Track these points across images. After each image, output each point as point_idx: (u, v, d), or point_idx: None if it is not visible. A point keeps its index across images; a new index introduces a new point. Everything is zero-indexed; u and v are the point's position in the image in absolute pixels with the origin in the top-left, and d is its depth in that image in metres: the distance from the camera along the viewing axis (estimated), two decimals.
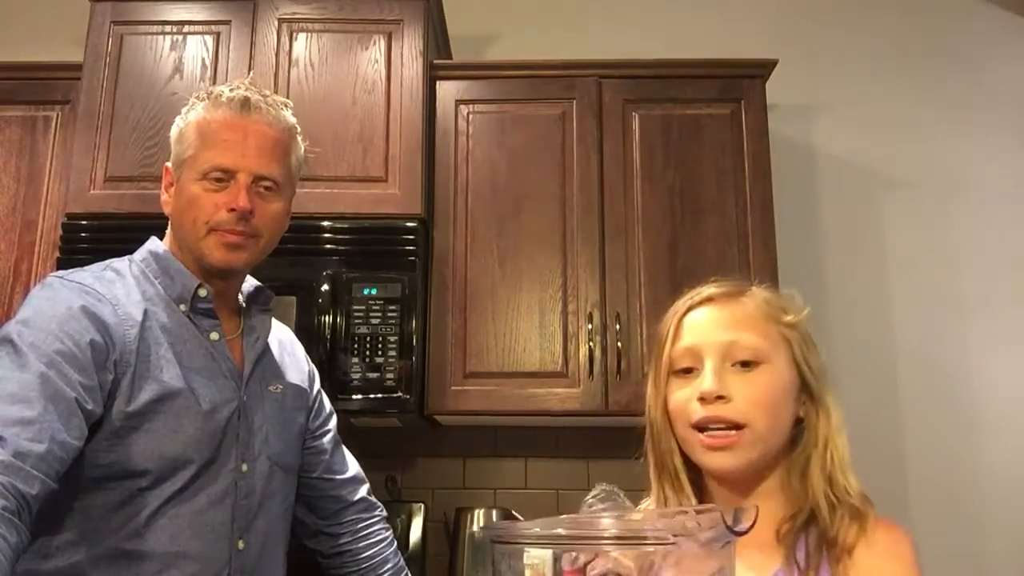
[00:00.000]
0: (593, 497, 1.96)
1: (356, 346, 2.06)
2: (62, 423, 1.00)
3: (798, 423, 1.01)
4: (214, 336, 1.23)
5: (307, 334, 2.05)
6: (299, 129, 1.31)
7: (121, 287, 1.17)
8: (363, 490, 1.48)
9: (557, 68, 2.34)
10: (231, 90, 1.23)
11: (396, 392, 2.04)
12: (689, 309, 1.06)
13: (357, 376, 2.04)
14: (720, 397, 0.95)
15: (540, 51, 2.56)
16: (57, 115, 2.32)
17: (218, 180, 1.19)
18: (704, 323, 1.02)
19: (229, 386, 1.21)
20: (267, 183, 1.23)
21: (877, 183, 2.63)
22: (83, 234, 2.11)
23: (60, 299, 1.11)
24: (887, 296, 2.55)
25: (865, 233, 2.60)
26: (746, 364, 0.97)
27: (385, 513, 1.51)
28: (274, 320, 1.37)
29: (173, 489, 1.12)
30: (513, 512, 2.23)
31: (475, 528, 2.22)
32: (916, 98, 2.69)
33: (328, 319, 2.07)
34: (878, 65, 2.71)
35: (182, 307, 1.21)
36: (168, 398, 1.13)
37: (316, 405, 1.44)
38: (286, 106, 1.29)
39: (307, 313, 2.07)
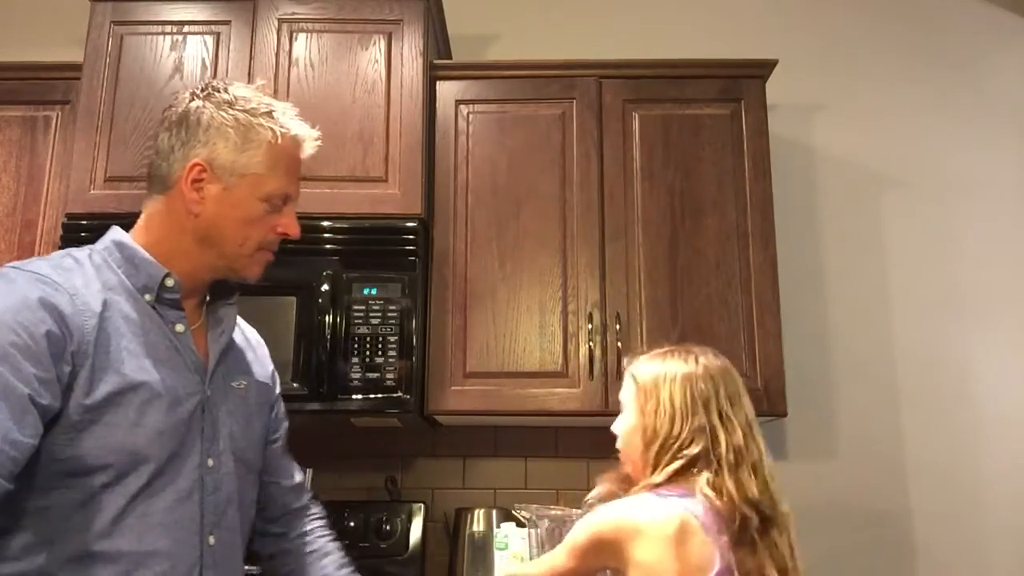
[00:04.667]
0: (593, 497, 1.96)
1: (356, 346, 2.06)
2: (14, 421, 0.98)
3: None
4: (179, 328, 1.20)
5: (307, 334, 2.05)
6: None
7: (80, 276, 1.14)
8: (307, 496, 1.49)
9: (557, 68, 2.34)
10: (291, 117, 1.26)
11: (396, 392, 2.04)
12: None
13: (357, 376, 2.04)
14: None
15: (540, 51, 2.56)
16: (57, 115, 2.32)
17: (277, 205, 1.24)
18: None
19: (193, 380, 1.19)
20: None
21: (877, 183, 2.64)
22: (83, 234, 2.10)
23: (15, 289, 1.07)
24: (887, 296, 2.55)
25: (865, 233, 2.60)
26: None
27: (324, 512, 1.51)
28: (239, 318, 1.36)
29: (137, 485, 1.09)
30: (513, 511, 2.23)
31: (475, 528, 2.22)
32: (916, 98, 2.69)
33: (328, 319, 2.07)
34: (878, 65, 2.71)
35: (147, 297, 1.18)
36: (129, 391, 1.10)
37: (276, 408, 1.43)
38: None
39: (307, 313, 2.07)
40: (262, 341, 1.45)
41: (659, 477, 1.36)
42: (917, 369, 2.49)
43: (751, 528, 1.29)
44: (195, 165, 1.20)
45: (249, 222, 1.21)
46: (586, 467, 2.41)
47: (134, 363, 1.11)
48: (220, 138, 1.20)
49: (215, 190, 1.20)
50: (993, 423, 2.45)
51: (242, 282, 1.27)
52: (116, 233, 1.22)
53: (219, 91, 1.23)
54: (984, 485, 2.42)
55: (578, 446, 2.43)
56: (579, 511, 1.84)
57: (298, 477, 1.48)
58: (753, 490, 1.32)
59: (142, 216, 1.24)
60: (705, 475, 1.33)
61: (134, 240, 1.21)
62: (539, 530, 1.88)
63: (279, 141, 1.22)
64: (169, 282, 1.19)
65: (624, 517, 1.34)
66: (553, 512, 1.87)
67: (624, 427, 1.49)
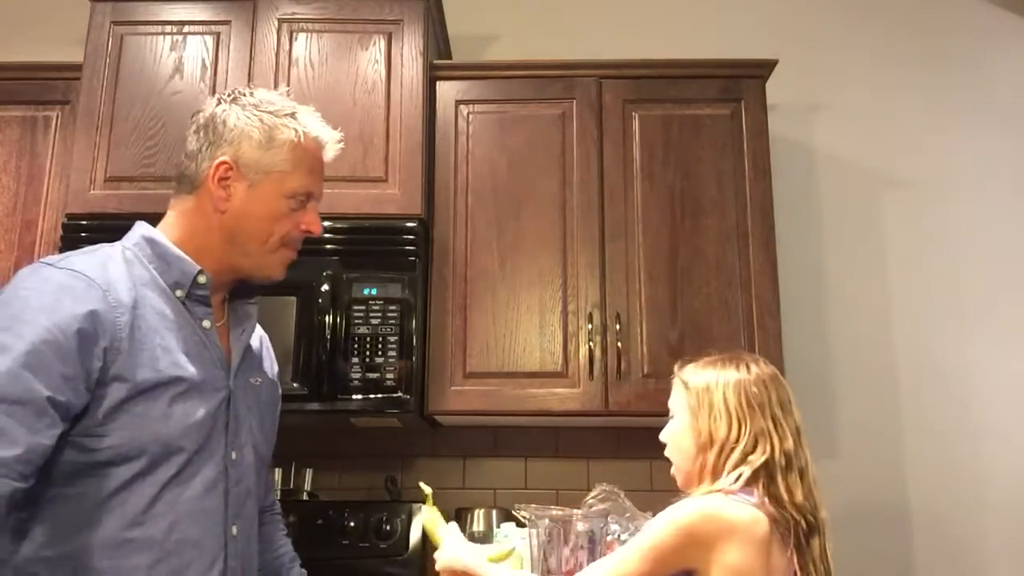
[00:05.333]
0: (593, 497, 1.97)
1: (356, 346, 2.06)
2: (27, 425, 1.01)
3: None
4: (206, 324, 1.24)
5: (307, 334, 2.05)
6: None
7: (113, 271, 1.17)
8: (272, 495, 1.53)
9: (557, 68, 2.34)
10: (314, 120, 1.31)
11: (396, 392, 2.04)
12: None
13: (357, 376, 2.04)
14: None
15: (540, 51, 2.56)
16: (57, 115, 2.32)
17: (301, 202, 1.28)
18: None
19: (219, 375, 1.23)
20: None
21: (877, 183, 2.63)
22: (83, 234, 2.11)
23: (48, 288, 1.10)
24: (887, 296, 2.55)
25: (865, 233, 2.60)
26: None
27: (280, 510, 1.55)
28: None
29: (168, 475, 1.13)
30: (513, 512, 2.23)
31: (475, 528, 2.22)
32: (916, 98, 2.69)
33: (328, 319, 2.07)
34: (878, 65, 2.71)
35: (178, 293, 1.22)
36: (163, 385, 1.13)
37: (278, 410, 1.45)
38: None
39: (307, 313, 2.07)
40: (269, 342, 1.49)
41: (731, 483, 1.32)
42: (917, 369, 2.49)
43: (800, 534, 1.29)
44: (222, 163, 1.25)
45: (273, 219, 1.26)
46: (586, 467, 2.42)
47: (168, 358, 1.15)
48: (245, 137, 1.26)
49: (241, 187, 1.25)
50: (993, 423, 2.45)
51: (266, 282, 1.31)
52: (145, 229, 1.26)
53: (245, 95, 1.29)
54: (984, 485, 2.41)
55: (578, 446, 2.43)
56: (579, 511, 1.85)
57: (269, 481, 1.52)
58: (799, 496, 1.31)
59: (169, 214, 1.29)
60: (762, 481, 1.32)
61: (164, 234, 1.26)
62: (539, 530, 1.88)
63: (302, 141, 1.28)
64: (202, 279, 1.23)
65: (716, 511, 1.28)
66: (553, 512, 1.87)
67: (674, 432, 1.46)
